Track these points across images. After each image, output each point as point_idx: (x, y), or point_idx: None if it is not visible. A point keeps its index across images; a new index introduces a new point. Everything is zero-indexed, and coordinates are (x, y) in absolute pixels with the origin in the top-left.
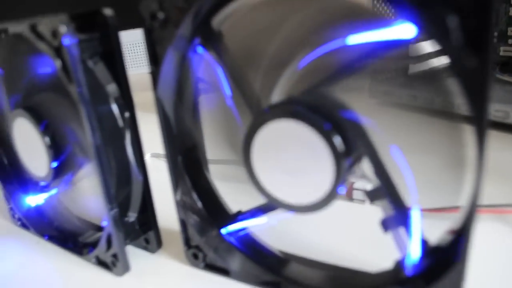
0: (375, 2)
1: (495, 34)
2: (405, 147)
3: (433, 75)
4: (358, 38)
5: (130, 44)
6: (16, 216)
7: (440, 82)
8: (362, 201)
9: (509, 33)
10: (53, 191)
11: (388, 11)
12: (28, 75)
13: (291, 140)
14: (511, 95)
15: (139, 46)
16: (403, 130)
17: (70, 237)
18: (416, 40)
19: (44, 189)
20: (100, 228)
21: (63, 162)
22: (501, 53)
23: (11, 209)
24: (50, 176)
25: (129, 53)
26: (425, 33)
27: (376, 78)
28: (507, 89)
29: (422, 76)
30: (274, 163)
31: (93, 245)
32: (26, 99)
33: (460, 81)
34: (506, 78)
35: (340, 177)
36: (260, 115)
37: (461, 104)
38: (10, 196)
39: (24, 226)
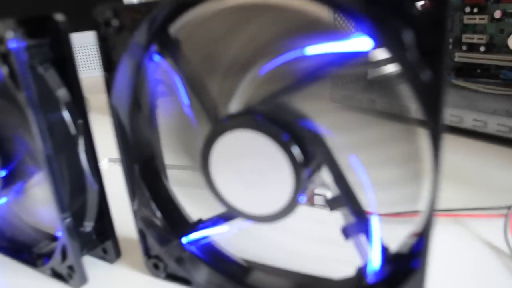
0: (335, 15)
1: (450, 41)
2: (363, 153)
3: (389, 80)
4: (316, 49)
5: (84, 46)
6: None
7: (395, 88)
8: (324, 207)
9: (463, 39)
10: (3, 200)
11: (346, 24)
12: None
13: (249, 150)
14: (466, 100)
15: (93, 48)
16: (361, 136)
17: (23, 248)
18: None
19: None
20: (55, 238)
21: (12, 170)
22: (456, 59)
23: None
24: None
25: (83, 56)
26: (381, 46)
27: (337, 84)
28: (462, 94)
29: (379, 81)
30: (233, 172)
31: (48, 255)
32: None
33: (415, 92)
34: (460, 83)
35: (300, 187)
36: (219, 124)
37: (416, 109)
38: None
39: None
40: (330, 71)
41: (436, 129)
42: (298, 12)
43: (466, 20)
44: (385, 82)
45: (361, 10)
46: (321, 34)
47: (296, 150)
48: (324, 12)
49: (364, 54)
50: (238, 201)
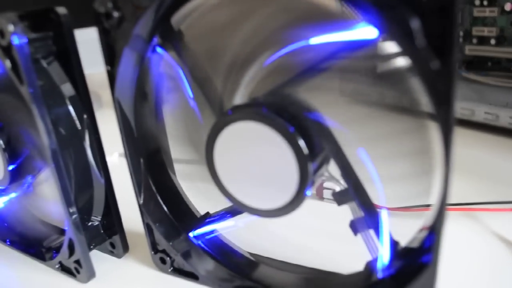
0: (340, 3)
1: (461, 34)
2: (372, 147)
3: (399, 73)
4: (321, 39)
5: (94, 41)
6: None
7: (406, 81)
8: (333, 201)
9: (473, 32)
10: (13, 195)
11: (352, 13)
12: None
13: (255, 143)
14: (477, 93)
15: None
16: (371, 130)
17: (33, 242)
18: (384, 39)
19: (2, 193)
20: (64, 232)
21: (20, 165)
22: (467, 52)
23: None
24: (7, 180)
25: (94, 51)
26: (388, 35)
27: (346, 77)
28: (473, 87)
29: (389, 74)
30: (238, 166)
31: (57, 250)
32: None
33: (424, 83)
34: (471, 76)
35: (306, 180)
36: (223, 116)
37: (426, 102)
38: None
39: None
40: (336, 61)
41: (447, 121)
42: (303, 1)
43: (476, 13)
44: (395, 76)
45: None
46: (326, 24)
47: (301, 143)
48: (329, 1)
49: (370, 43)
50: (244, 195)
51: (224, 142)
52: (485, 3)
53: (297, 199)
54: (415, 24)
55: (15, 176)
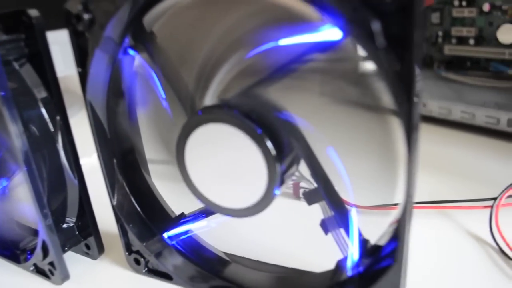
0: (306, 6)
1: (440, 34)
2: (341, 146)
3: (368, 73)
4: (289, 41)
5: None
6: None
7: (366, 77)
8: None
9: (452, 33)
10: None
11: (318, 14)
12: None
13: (224, 144)
14: (455, 93)
15: None
16: (338, 128)
17: (9, 244)
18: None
19: None
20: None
21: None
22: (446, 52)
23: None
24: None
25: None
26: (352, 37)
27: (326, 78)
28: (451, 87)
29: (365, 74)
30: (209, 166)
31: (32, 252)
32: None
33: (387, 83)
34: (450, 76)
35: (274, 180)
36: (193, 117)
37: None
38: None
39: None
40: (303, 62)
41: (409, 119)
42: (271, 4)
43: (455, 13)
44: (365, 76)
45: (330, 1)
46: (294, 26)
47: (269, 144)
48: (296, 4)
49: (335, 45)
50: (215, 195)
51: (195, 143)
52: (463, 3)
53: (266, 199)
54: (376, 25)
55: None
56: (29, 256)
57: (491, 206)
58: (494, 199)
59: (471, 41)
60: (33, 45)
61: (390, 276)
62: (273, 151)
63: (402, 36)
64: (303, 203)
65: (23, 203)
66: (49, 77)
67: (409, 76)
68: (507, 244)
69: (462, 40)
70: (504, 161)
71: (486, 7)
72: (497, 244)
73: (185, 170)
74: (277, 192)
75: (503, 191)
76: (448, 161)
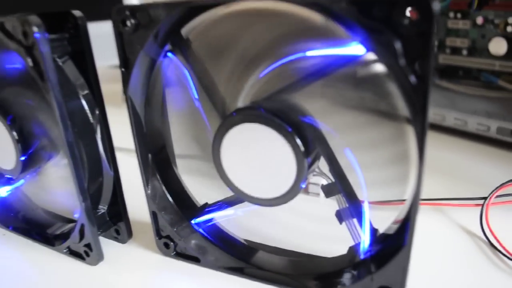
0: (333, 23)
1: (435, 43)
2: (357, 148)
3: (377, 78)
4: (315, 53)
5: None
6: None
7: (383, 86)
8: (317, 195)
9: (447, 43)
10: (18, 183)
11: (345, 32)
12: None
13: (257, 141)
14: (448, 100)
15: None
16: (357, 133)
17: (37, 228)
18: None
19: (9, 181)
20: (68, 220)
21: (31, 155)
22: (440, 61)
23: None
24: (18, 170)
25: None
26: (375, 53)
27: (328, 81)
28: (445, 94)
29: (368, 79)
30: (242, 161)
31: (64, 236)
32: None
33: (404, 94)
34: (444, 84)
35: (302, 174)
36: (228, 118)
37: (403, 107)
38: None
39: None
40: (326, 72)
41: (421, 127)
42: (299, 18)
43: (450, 24)
44: (373, 80)
45: (355, 21)
46: (319, 40)
47: (298, 141)
48: (322, 20)
49: (357, 59)
50: (246, 187)
51: (230, 141)
52: (458, 16)
53: (293, 190)
54: (398, 46)
55: (25, 166)
56: (63, 240)
57: (482, 205)
58: (485, 198)
59: (464, 52)
60: (76, 44)
61: (400, 258)
62: (302, 147)
63: (420, 56)
64: (312, 198)
65: (55, 191)
66: (91, 74)
67: (424, 90)
68: (496, 238)
69: (455, 50)
70: (493, 165)
71: (479, 20)
72: (487, 237)
73: (220, 165)
74: (303, 185)
75: (492, 191)
76: (443, 164)
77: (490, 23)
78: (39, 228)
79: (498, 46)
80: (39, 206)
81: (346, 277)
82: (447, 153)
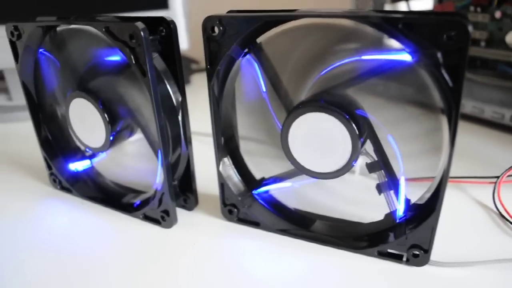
0: (385, 35)
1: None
2: (398, 135)
3: (412, 72)
4: (370, 57)
5: None
6: (57, 180)
7: (421, 79)
8: (353, 172)
9: None
10: (96, 159)
11: (399, 44)
12: (89, 64)
13: (319, 126)
14: (467, 89)
15: None
16: (398, 121)
17: (112, 197)
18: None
19: (88, 157)
20: (136, 191)
21: (116, 134)
22: None
23: (51, 174)
24: (106, 147)
25: None
26: (421, 62)
27: (393, 85)
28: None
29: (405, 73)
30: (306, 143)
31: (141, 203)
32: (82, 84)
33: (441, 93)
34: None
35: (356, 153)
36: (295, 109)
37: (438, 99)
38: (53, 164)
39: (64, 189)
40: (376, 73)
41: (454, 118)
42: (361, 32)
43: (470, 17)
44: (410, 74)
45: (405, 36)
46: (373, 47)
47: (354, 126)
48: (377, 33)
49: (406, 65)
50: (308, 164)
51: (297, 127)
52: (478, 10)
53: (347, 166)
54: (440, 57)
55: (111, 144)
56: (138, 207)
57: (495, 182)
58: (497, 177)
59: (482, 43)
60: (166, 43)
61: (429, 222)
62: (357, 131)
63: (457, 65)
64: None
65: (130, 166)
66: (178, 68)
67: (459, 91)
68: (506, 210)
69: (474, 42)
70: (506, 149)
71: (498, 14)
72: (498, 210)
73: (287, 146)
74: (354, 163)
75: (504, 171)
76: (462, 147)
77: (508, 17)
78: (113, 198)
79: None
80: (108, 179)
81: (385, 237)
82: (466, 138)
